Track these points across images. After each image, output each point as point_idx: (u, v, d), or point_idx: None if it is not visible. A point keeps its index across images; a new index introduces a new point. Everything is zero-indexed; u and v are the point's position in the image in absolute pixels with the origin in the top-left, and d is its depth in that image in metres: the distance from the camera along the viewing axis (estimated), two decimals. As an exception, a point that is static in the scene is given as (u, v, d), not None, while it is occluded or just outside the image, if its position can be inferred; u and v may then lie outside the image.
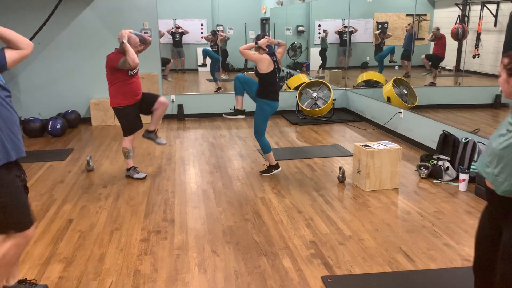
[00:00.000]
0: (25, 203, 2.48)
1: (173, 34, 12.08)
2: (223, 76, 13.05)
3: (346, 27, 9.46)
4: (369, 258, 3.13)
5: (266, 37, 4.63)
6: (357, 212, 3.91)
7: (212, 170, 5.06)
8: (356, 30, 10.49)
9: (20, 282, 2.72)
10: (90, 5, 7.22)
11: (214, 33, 10.91)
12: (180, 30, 12.38)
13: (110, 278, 2.88)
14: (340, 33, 10.71)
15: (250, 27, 13.75)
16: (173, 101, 7.84)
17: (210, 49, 10.76)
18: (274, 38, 5.06)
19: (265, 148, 4.83)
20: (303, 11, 12.34)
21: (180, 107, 7.79)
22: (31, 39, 6.16)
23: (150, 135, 5.05)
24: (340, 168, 4.70)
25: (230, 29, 14.16)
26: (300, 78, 8.93)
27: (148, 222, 3.72)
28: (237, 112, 4.96)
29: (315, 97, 7.74)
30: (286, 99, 8.28)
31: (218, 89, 9.86)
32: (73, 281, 2.85)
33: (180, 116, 7.78)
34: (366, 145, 4.48)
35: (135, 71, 4.67)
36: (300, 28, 12.58)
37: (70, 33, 7.24)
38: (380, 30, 10.91)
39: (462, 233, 3.48)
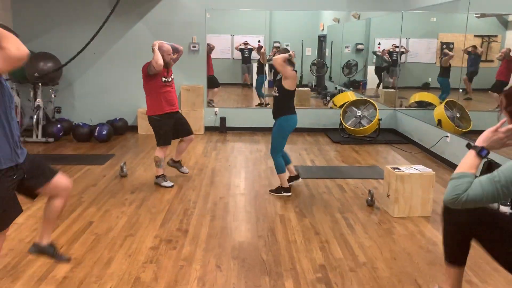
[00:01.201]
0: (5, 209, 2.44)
1: (242, 50, 12.19)
2: (273, 92, 13.11)
3: (397, 46, 9.13)
4: (378, 288, 2.93)
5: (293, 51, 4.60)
6: (379, 238, 3.68)
7: (239, 184, 5.03)
8: (407, 51, 10.12)
9: (51, 245, 2.89)
10: (142, 18, 7.55)
11: (259, 48, 11.00)
12: (248, 47, 12.49)
13: (110, 283, 2.92)
14: (390, 53, 10.38)
15: (307, 44, 13.73)
16: (216, 114, 7.95)
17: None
18: (331, 55, 5.00)
19: (279, 168, 4.70)
20: (362, 29, 12.11)
21: (223, 119, 7.88)
22: (82, 49, 6.56)
23: (176, 164, 5.17)
24: (369, 191, 4.48)
25: (287, 45, 14.24)
26: (348, 96, 8.72)
27: (163, 230, 3.75)
28: (293, 178, 4.94)
29: (359, 115, 7.51)
30: (331, 117, 8.13)
31: (260, 104, 9.80)
32: (75, 282, 2.91)
33: (222, 129, 7.86)
34: (397, 168, 4.24)
35: (170, 79, 4.81)
36: (360, 46, 12.35)
37: (123, 44, 7.60)
38: (454, 53, 10.42)
39: (491, 271, 3.16)
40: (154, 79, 4.68)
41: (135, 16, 7.54)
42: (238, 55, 12.80)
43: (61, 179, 2.73)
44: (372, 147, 7.06)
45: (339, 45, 12.41)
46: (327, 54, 12.77)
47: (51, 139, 6.87)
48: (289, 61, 4.53)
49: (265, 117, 6.65)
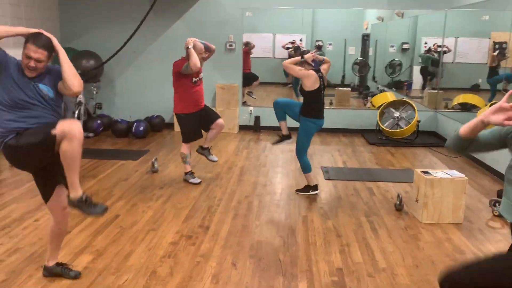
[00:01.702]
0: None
1: (288, 49, 12.13)
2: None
3: (439, 46, 8.78)
4: (395, 295, 2.83)
5: (311, 52, 4.49)
6: (403, 244, 3.56)
7: (267, 183, 5.02)
8: (449, 50, 9.70)
9: (58, 264, 2.96)
10: (181, 17, 7.69)
11: (296, 48, 10.90)
12: (295, 45, 12.43)
13: (127, 275, 2.99)
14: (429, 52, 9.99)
15: (350, 43, 13.48)
16: (250, 113, 7.97)
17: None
18: (375, 55, 4.91)
19: (305, 168, 4.63)
20: (408, 27, 11.74)
21: (257, 119, 7.89)
22: (121, 48, 6.76)
23: (204, 151, 5.15)
24: (398, 195, 4.34)
25: (330, 44, 14.04)
26: (387, 96, 8.49)
27: (185, 226, 3.80)
28: (283, 137, 4.81)
29: (397, 117, 7.28)
30: (368, 118, 7.95)
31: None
32: (94, 272, 3.01)
33: (256, 128, 7.87)
34: (427, 172, 4.07)
35: (198, 79, 4.84)
36: (405, 46, 11.99)
37: (162, 43, 7.77)
38: (498, 51, 9.92)
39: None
40: (185, 79, 4.72)
41: (174, 15, 7.69)
42: (279, 54, 12.76)
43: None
44: (409, 149, 6.83)
45: (383, 44, 12.09)
46: (370, 53, 12.48)
47: (91, 134, 7.14)
48: (306, 62, 4.43)
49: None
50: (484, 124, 1.76)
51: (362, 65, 12.53)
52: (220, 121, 4.96)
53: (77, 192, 2.57)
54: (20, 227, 3.69)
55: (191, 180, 4.89)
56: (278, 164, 5.83)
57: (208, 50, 4.88)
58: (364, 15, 13.62)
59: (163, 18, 7.66)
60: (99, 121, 7.29)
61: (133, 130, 7.10)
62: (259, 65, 10.97)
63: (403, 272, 3.11)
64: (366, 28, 13.36)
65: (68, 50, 7.48)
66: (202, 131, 5.03)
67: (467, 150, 1.91)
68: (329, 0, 7.91)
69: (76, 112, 7.16)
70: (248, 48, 9.96)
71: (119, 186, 4.81)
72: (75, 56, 7.25)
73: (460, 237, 3.71)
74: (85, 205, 2.60)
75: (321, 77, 4.44)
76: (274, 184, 4.99)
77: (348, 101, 10.13)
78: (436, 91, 9.43)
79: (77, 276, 2.95)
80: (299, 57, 4.43)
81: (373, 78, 12.56)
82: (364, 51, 12.83)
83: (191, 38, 4.70)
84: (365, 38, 13.32)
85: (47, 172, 2.72)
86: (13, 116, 2.56)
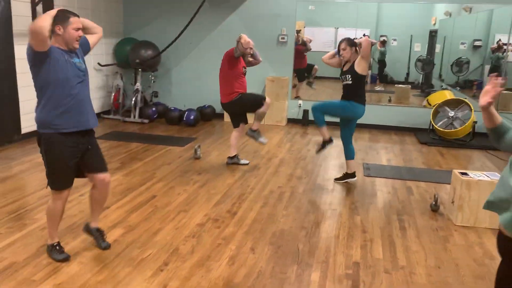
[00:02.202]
0: (58, 170, 2.90)
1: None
2: (377, 88, 12.62)
3: (505, 44, 8.23)
4: (408, 294, 2.78)
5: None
6: (429, 244, 3.46)
7: (303, 176, 5.05)
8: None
9: (97, 230, 3.25)
10: (235, 11, 7.86)
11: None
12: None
13: (152, 250, 3.19)
14: (493, 51, 9.39)
15: (416, 39, 12.98)
16: (299, 106, 7.99)
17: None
18: (443, 52, 5.01)
19: (318, 121, 4.76)
20: (481, 23, 11.09)
21: (306, 112, 7.89)
22: (175, 39, 7.05)
23: (254, 133, 5.31)
24: (434, 196, 4.20)
25: (394, 40, 13.60)
26: (445, 95, 8.11)
27: (214, 210, 3.96)
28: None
29: (452, 116, 6.96)
30: (421, 116, 7.69)
31: None
32: (122, 245, 3.25)
33: (304, 122, 7.88)
34: (464, 173, 3.91)
35: (245, 70, 5.06)
36: (477, 43, 11.35)
37: (216, 35, 7.99)
38: None
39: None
40: (237, 66, 4.97)
41: (229, 8, 7.87)
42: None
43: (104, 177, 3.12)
44: (462, 151, 6.52)
45: (453, 41, 11.51)
46: (437, 50, 11.94)
47: (145, 120, 7.54)
48: (356, 50, 4.57)
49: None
50: (483, 110, 1.84)
51: (426, 62, 12.03)
52: (266, 100, 5.18)
53: (96, 224, 3.25)
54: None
55: (242, 162, 5.32)
56: (318, 157, 5.83)
57: (255, 58, 5.19)
58: (432, 10, 13.02)
59: (218, 11, 7.88)
60: (154, 109, 7.67)
61: (184, 119, 7.40)
62: (318, 60, 10.88)
63: (422, 272, 3.04)
64: (434, 24, 12.78)
65: (130, 40, 7.95)
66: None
67: (500, 142, 1.91)
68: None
69: (133, 99, 7.60)
70: (304, 48, 9.94)
71: (161, 169, 5.07)
72: (135, 46, 7.67)
73: (494, 243, 3.52)
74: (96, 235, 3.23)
75: None
76: (310, 177, 5.01)
77: (407, 99, 9.80)
78: (508, 92, 8.88)
79: (106, 247, 3.19)
80: (335, 51, 4.74)
81: (439, 77, 12.01)
82: (431, 48, 12.31)
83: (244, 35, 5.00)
84: (433, 34, 12.73)
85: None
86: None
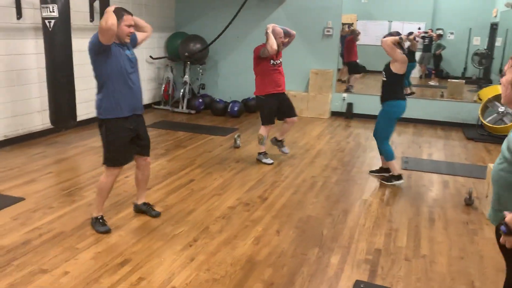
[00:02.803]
0: (115, 149, 3.25)
1: (423, 38, 11.65)
2: (432, 82, 12.25)
3: None
4: (425, 280, 2.83)
5: (405, 35, 4.47)
6: (456, 236, 3.45)
7: (338, 167, 5.12)
8: None
9: (144, 204, 3.65)
10: (282, 4, 7.98)
11: (409, 34, 10.38)
12: (428, 35, 11.93)
13: (184, 227, 3.44)
14: None
15: (475, 33, 12.45)
16: (344, 99, 7.99)
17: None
18: (505, 46, 4.76)
19: (387, 156, 4.60)
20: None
21: (350, 105, 7.88)
22: (221, 33, 7.28)
23: (278, 143, 5.36)
24: (469, 190, 4.14)
25: (451, 33, 13.11)
26: (497, 89, 7.78)
27: (246, 195, 4.15)
28: (393, 178, 4.60)
29: (502, 112, 6.70)
30: (471, 111, 7.44)
31: (408, 94, 9.37)
32: (158, 222, 3.53)
33: (347, 115, 7.88)
34: (499, 167, 3.82)
35: (278, 62, 5.08)
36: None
37: (263, 29, 8.07)
38: None
39: None
40: (264, 61, 5.00)
41: (276, 2, 8.00)
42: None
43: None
44: None
45: (516, 34, 10.95)
46: (498, 44, 11.39)
47: (192, 111, 7.87)
48: (399, 45, 4.41)
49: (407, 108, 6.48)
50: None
51: (483, 57, 11.53)
52: (295, 119, 5.22)
53: (142, 200, 3.67)
54: (113, 181, 4.39)
55: (264, 160, 5.17)
56: (357, 150, 5.86)
57: (288, 35, 5.10)
58: (494, 1, 12.40)
59: (265, 5, 8.03)
60: (200, 100, 7.99)
61: (228, 110, 7.66)
62: (370, 53, 10.71)
63: (443, 261, 3.06)
64: (495, 16, 12.17)
65: (181, 34, 8.31)
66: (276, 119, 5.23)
67: None
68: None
69: (182, 90, 7.96)
70: (353, 36, 9.87)
71: (202, 156, 5.34)
72: (185, 40, 8.01)
73: (526, 238, 3.45)
74: (145, 208, 3.64)
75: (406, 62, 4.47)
76: (345, 168, 5.07)
77: (460, 94, 9.48)
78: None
79: (157, 215, 3.60)
80: (398, 38, 4.37)
81: (500, 72, 11.47)
82: (492, 42, 11.75)
83: (270, 24, 4.97)
84: (494, 27, 12.13)
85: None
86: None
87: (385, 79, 4.53)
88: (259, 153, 5.25)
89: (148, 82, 8.09)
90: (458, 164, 5.39)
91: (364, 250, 3.19)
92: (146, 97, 8.13)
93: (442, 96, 8.89)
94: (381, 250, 3.20)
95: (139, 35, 3.44)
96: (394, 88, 4.51)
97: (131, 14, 3.23)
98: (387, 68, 4.49)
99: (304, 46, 7.96)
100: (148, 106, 8.14)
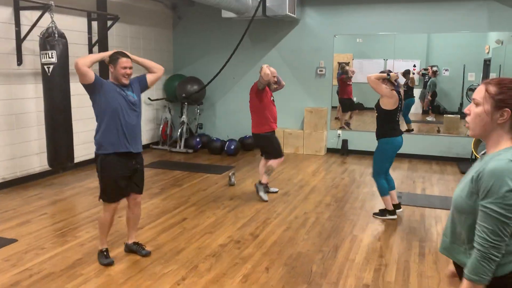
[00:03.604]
0: (113, 185, 3.36)
1: (423, 75, 11.90)
2: (429, 118, 12.41)
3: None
4: (412, 316, 2.81)
5: (395, 73, 4.57)
6: (446, 271, 3.44)
7: (331, 203, 5.15)
8: None
9: (134, 243, 3.69)
10: (276, 45, 8.24)
11: (406, 72, 10.61)
12: (428, 72, 12.18)
13: (173, 266, 3.46)
14: None
15: (469, 69, 12.70)
16: (339, 136, 8.10)
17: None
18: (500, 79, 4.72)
19: (382, 191, 4.63)
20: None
21: (345, 142, 7.98)
22: (217, 74, 7.50)
23: (260, 186, 5.25)
24: (460, 223, 4.15)
25: (446, 70, 13.38)
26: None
27: (237, 232, 4.17)
28: (386, 212, 4.66)
29: (495, 146, 6.76)
30: (465, 146, 7.53)
31: (407, 130, 9.37)
32: (148, 261, 3.54)
33: (343, 151, 7.96)
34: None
35: (273, 98, 5.27)
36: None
37: (258, 69, 8.25)
38: None
39: None
40: (264, 96, 5.14)
41: (270, 43, 8.28)
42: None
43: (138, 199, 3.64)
44: (506, 181, 6.29)
45: (508, 70, 11.19)
46: (493, 79, 11.62)
47: (190, 150, 7.99)
48: (388, 81, 4.50)
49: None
50: None
51: (478, 92, 11.74)
52: (279, 160, 5.28)
53: (131, 240, 3.71)
54: (106, 220, 4.44)
55: (261, 194, 5.18)
56: (351, 186, 5.90)
57: (278, 83, 5.35)
58: (486, 39, 12.73)
59: (259, 47, 8.30)
60: (198, 139, 8.12)
61: (225, 148, 7.76)
62: (367, 91, 10.90)
63: (431, 296, 3.05)
64: (488, 52, 12.49)
65: (178, 76, 8.54)
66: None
67: None
68: (448, 24, 7.84)
69: (179, 130, 8.10)
70: (345, 76, 10.10)
71: (196, 195, 5.39)
72: (182, 81, 8.24)
73: (516, 272, 3.44)
74: (135, 248, 3.67)
75: (400, 99, 4.49)
76: (339, 204, 5.10)
77: (456, 129, 9.59)
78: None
79: (147, 254, 3.63)
80: (385, 74, 4.43)
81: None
82: (486, 77, 11.99)
83: (265, 64, 5.15)
84: (487, 63, 12.43)
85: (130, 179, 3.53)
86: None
87: (377, 115, 4.61)
88: (260, 183, 5.23)
89: (146, 123, 8.25)
90: (450, 198, 5.39)
91: (353, 286, 3.18)
92: (144, 138, 8.27)
93: (438, 131, 8.99)
94: (369, 286, 3.19)
95: (149, 77, 3.61)
96: (387, 124, 4.55)
97: (129, 57, 3.41)
98: (377, 104, 4.58)
99: (298, 85, 8.16)
100: (146, 146, 8.27)
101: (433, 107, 12.95)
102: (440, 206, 5.08)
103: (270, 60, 8.26)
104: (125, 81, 3.38)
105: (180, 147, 8.05)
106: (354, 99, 10.18)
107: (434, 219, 4.66)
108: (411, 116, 10.41)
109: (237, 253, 3.72)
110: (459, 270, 1.67)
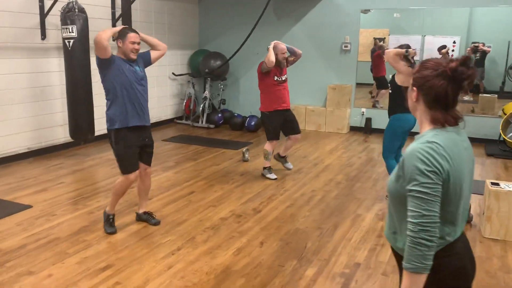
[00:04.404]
0: (128, 157, 3.51)
1: (474, 52, 11.36)
2: (465, 98, 11.90)
3: None
4: (397, 296, 2.79)
5: (414, 49, 4.40)
6: (444, 253, 3.37)
7: (342, 182, 5.11)
8: None
9: (144, 213, 3.86)
10: (300, 21, 8.09)
11: (442, 47, 10.17)
12: (480, 49, 11.67)
13: (171, 236, 3.57)
14: None
15: (515, 45, 12.03)
16: (363, 114, 7.94)
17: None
18: None
19: (389, 170, 4.54)
20: None
21: (368, 120, 7.82)
22: (238, 49, 7.47)
23: (281, 159, 5.39)
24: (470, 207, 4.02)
25: (489, 46, 12.72)
26: (524, 104, 7.50)
27: (240, 207, 4.24)
28: None
29: (525, 127, 6.44)
30: (493, 126, 7.20)
31: None
32: (148, 231, 3.67)
33: (366, 130, 7.81)
34: (496, 184, 3.72)
35: (283, 78, 5.15)
36: None
37: (282, 45, 8.27)
38: None
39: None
40: (267, 77, 5.07)
41: (294, 19, 8.13)
42: (429, 56, 12.05)
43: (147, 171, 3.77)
44: (534, 165, 6.01)
45: None
46: (542, 57, 10.94)
47: (212, 126, 8.08)
48: (406, 58, 4.35)
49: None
50: None
51: (520, 70, 11.10)
52: (299, 136, 5.26)
53: (142, 209, 3.88)
54: (117, 191, 4.61)
55: (268, 175, 5.20)
56: (366, 165, 5.81)
57: (294, 54, 5.19)
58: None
59: (283, 22, 8.18)
60: (220, 115, 8.19)
61: (246, 124, 7.80)
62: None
63: (422, 278, 3.00)
64: (537, 27, 11.72)
65: (203, 51, 8.59)
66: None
67: None
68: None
69: (201, 105, 8.19)
70: (381, 51, 9.80)
71: (209, 169, 5.48)
72: (206, 57, 8.28)
73: (519, 258, 3.33)
74: (145, 217, 3.84)
75: None
76: (349, 183, 5.05)
77: (492, 110, 9.19)
78: None
79: (157, 223, 3.79)
80: (404, 50, 4.24)
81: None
82: (535, 54, 11.32)
83: (274, 41, 5.05)
84: (539, 38, 11.67)
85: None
86: None
87: (390, 91, 4.50)
88: (264, 168, 5.31)
89: (170, 97, 8.39)
90: (469, 180, 5.22)
91: (343, 264, 3.19)
92: (169, 112, 8.43)
93: (472, 111, 8.64)
94: (361, 264, 3.19)
95: (153, 54, 3.69)
96: (400, 101, 4.44)
97: (137, 33, 3.49)
98: (392, 80, 4.46)
99: (322, 62, 8.02)
100: (170, 121, 8.44)
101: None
102: (455, 188, 4.93)
103: (294, 35, 8.14)
104: (133, 56, 3.46)
105: (202, 122, 8.16)
106: (388, 76, 9.91)
107: (445, 201, 4.54)
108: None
109: (236, 227, 3.79)
110: (398, 259, 1.65)
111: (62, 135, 6.17)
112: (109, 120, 3.54)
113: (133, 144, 3.53)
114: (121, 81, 3.42)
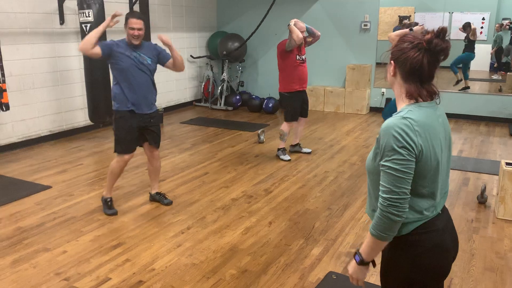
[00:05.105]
0: (124, 138, 3.56)
1: (510, 28, 10.99)
2: (494, 77, 11.51)
3: None
4: (401, 276, 2.79)
5: (419, 25, 4.29)
6: (454, 234, 3.33)
7: (357, 163, 5.08)
8: None
9: (157, 193, 3.94)
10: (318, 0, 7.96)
11: (467, 25, 9.84)
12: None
13: (182, 216, 3.66)
14: None
15: (548, 21, 11.52)
16: (383, 94, 7.81)
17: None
18: None
19: None
20: None
21: (388, 101, 7.68)
22: (255, 30, 7.43)
23: (295, 148, 5.43)
24: (481, 187, 3.95)
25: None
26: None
27: (252, 188, 4.28)
28: None
29: (551, 107, 6.21)
30: (519, 106, 6.97)
31: (463, 88, 8.76)
32: (160, 210, 3.77)
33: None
34: (511, 164, 3.63)
35: (303, 57, 5.09)
36: None
37: (300, 25, 8.17)
38: None
39: None
40: (290, 56, 5.00)
41: (313, -2, 8.01)
42: (455, 35, 11.73)
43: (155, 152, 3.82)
44: (560, 145, 5.81)
45: None
46: None
47: (230, 108, 8.12)
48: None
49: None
50: None
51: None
52: (307, 119, 5.37)
53: (154, 190, 3.96)
54: (132, 173, 4.72)
55: (282, 157, 5.20)
56: (383, 146, 5.74)
57: (313, 35, 5.12)
58: None
59: (302, 1, 8.06)
60: (238, 97, 8.21)
61: (263, 106, 7.79)
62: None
63: (428, 258, 2.99)
64: None
65: (221, 34, 8.58)
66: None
67: None
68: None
69: (220, 88, 8.23)
70: (409, 29, 9.53)
71: (224, 151, 5.54)
72: (223, 39, 8.27)
73: (531, 239, 3.26)
74: (158, 198, 3.91)
75: None
76: (363, 164, 5.01)
77: (515, 87, 8.88)
78: None
79: (169, 203, 3.87)
80: (408, 30, 4.16)
81: None
82: None
83: (293, 19, 5.00)
84: None
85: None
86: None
87: None
88: (279, 149, 5.31)
89: (189, 80, 8.45)
90: (488, 161, 5.11)
91: (350, 243, 3.20)
92: (188, 95, 8.51)
93: (500, 90, 8.38)
94: (368, 245, 3.18)
95: (169, 63, 3.65)
96: None
97: (141, 19, 3.49)
98: None
99: (340, 41, 7.89)
100: (189, 104, 8.52)
101: (499, 64, 11.96)
102: (472, 169, 4.83)
103: (313, 14, 8.03)
104: (134, 41, 3.46)
105: (220, 104, 8.20)
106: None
107: (461, 181, 4.46)
108: (472, 73, 9.72)
109: (246, 207, 3.85)
110: None
111: (82, 118, 6.33)
112: (112, 101, 3.63)
113: (131, 126, 3.55)
114: (120, 66, 3.46)
